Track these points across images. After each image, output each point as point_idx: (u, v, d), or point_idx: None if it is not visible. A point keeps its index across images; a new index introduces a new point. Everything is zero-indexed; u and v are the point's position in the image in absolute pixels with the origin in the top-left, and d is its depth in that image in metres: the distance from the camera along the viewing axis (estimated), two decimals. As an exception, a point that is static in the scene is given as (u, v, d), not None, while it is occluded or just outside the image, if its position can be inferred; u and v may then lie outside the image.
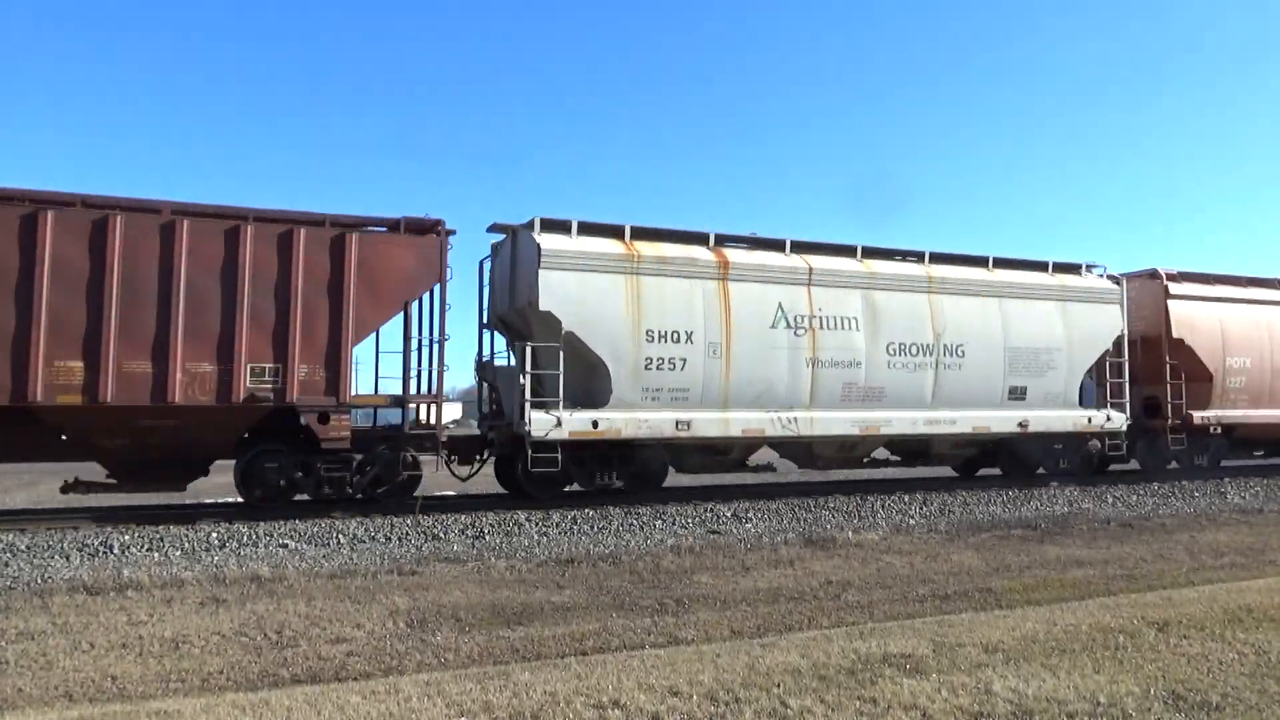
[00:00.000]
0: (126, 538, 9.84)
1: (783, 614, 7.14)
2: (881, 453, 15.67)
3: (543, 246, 12.05)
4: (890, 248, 14.89)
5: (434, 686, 4.97)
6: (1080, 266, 16.29)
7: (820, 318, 13.61)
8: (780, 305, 13.38)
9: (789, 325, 13.41)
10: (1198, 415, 17.09)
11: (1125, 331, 16.18)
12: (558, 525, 11.29)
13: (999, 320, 14.98)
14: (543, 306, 12.01)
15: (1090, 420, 15.68)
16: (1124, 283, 16.56)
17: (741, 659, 5.47)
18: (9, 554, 9.17)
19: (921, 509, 13.06)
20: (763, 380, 13.18)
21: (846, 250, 14.43)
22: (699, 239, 13.51)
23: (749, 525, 11.71)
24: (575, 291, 12.18)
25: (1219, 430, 17.43)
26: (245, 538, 10.11)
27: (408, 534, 10.57)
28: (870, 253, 14.59)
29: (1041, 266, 15.88)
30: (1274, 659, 5.44)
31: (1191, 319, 17.25)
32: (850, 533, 11.00)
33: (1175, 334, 17.03)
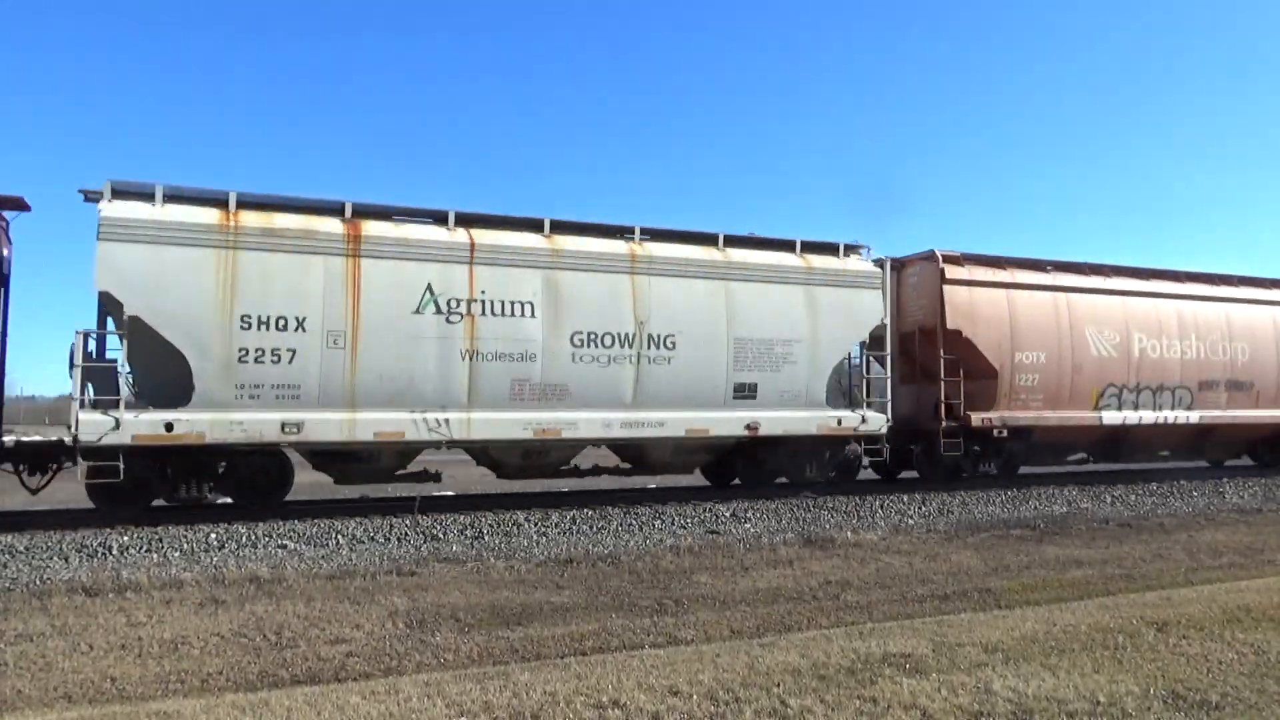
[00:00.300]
0: (125, 539, 9.83)
1: (782, 614, 7.14)
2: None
3: (102, 214, 10.30)
4: (591, 222, 12.91)
5: (434, 687, 4.97)
6: (838, 247, 14.29)
7: (483, 302, 11.70)
8: (430, 287, 11.46)
9: (440, 310, 11.49)
10: (977, 417, 14.93)
11: (887, 320, 14.36)
12: (557, 525, 11.28)
13: (724, 307, 12.98)
14: (100, 285, 10.27)
15: (840, 422, 13.75)
16: (888, 266, 14.74)
17: (741, 659, 5.48)
18: (7, 555, 9.15)
19: (920, 509, 13.07)
20: (402, 375, 11.33)
21: (529, 224, 12.50)
22: (331, 210, 11.54)
23: (748, 525, 11.70)
24: (144, 268, 10.34)
25: (1004, 434, 15.31)
26: (244, 538, 10.10)
27: (406, 534, 10.57)
28: (561, 227, 12.61)
29: (787, 246, 13.94)
30: (1273, 659, 5.45)
31: (972, 308, 15.09)
32: (849, 532, 11.01)
33: (951, 324, 14.92)
